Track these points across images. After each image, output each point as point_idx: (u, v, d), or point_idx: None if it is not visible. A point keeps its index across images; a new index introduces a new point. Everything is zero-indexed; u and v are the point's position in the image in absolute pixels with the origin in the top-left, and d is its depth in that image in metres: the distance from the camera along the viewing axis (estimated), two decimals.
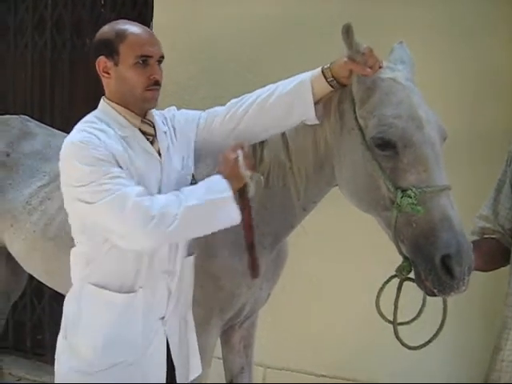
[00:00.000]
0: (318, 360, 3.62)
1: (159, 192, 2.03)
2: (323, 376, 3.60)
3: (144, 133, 2.09)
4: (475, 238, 2.28)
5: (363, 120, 2.02)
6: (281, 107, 2.11)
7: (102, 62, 2.05)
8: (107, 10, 3.97)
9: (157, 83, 2.05)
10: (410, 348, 2.07)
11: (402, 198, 1.89)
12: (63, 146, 1.97)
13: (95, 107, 2.12)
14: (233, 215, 1.94)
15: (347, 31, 1.96)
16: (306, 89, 2.07)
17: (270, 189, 2.30)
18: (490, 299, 3.27)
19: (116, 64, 2.04)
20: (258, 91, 2.19)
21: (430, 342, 2.09)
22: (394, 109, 1.97)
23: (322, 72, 2.07)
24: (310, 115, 2.10)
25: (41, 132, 3.07)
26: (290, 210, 2.33)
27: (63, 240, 2.64)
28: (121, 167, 1.94)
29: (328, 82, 2.07)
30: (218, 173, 2.00)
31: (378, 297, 2.05)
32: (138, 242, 1.88)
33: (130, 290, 2.05)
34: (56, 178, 2.71)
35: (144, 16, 3.68)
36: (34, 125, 3.12)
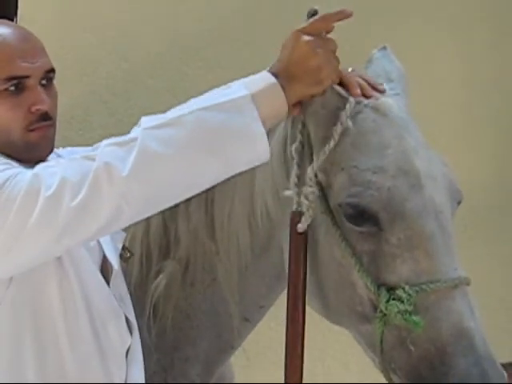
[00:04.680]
0: None
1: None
2: None
3: None
4: None
5: (325, 176, 1.53)
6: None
7: None
8: None
9: (45, 116, 1.53)
10: None
11: (388, 301, 1.44)
12: None
13: None
14: (253, 127, 1.38)
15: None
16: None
17: (193, 287, 1.76)
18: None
19: None
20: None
21: None
22: (374, 158, 1.50)
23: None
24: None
25: None
26: (226, 321, 1.77)
27: None
28: None
29: None
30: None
31: None
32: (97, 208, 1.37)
33: None
34: None
35: (5, 9, 3.13)
36: None
